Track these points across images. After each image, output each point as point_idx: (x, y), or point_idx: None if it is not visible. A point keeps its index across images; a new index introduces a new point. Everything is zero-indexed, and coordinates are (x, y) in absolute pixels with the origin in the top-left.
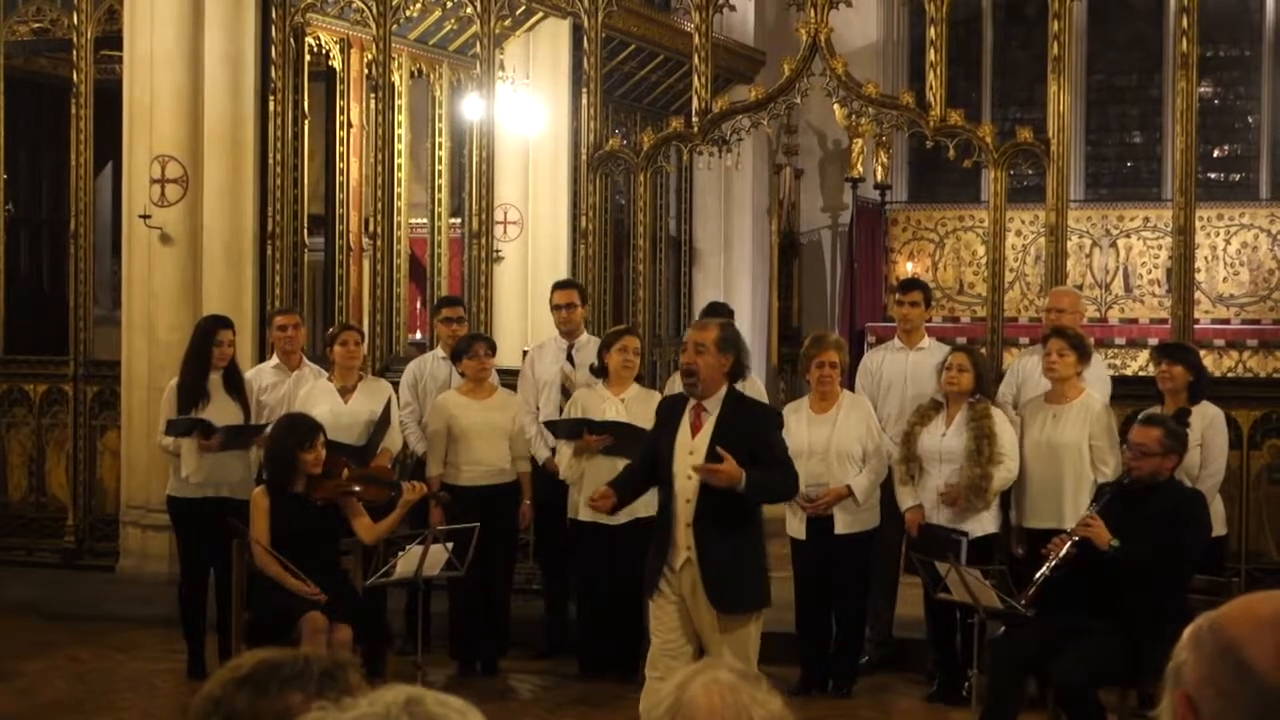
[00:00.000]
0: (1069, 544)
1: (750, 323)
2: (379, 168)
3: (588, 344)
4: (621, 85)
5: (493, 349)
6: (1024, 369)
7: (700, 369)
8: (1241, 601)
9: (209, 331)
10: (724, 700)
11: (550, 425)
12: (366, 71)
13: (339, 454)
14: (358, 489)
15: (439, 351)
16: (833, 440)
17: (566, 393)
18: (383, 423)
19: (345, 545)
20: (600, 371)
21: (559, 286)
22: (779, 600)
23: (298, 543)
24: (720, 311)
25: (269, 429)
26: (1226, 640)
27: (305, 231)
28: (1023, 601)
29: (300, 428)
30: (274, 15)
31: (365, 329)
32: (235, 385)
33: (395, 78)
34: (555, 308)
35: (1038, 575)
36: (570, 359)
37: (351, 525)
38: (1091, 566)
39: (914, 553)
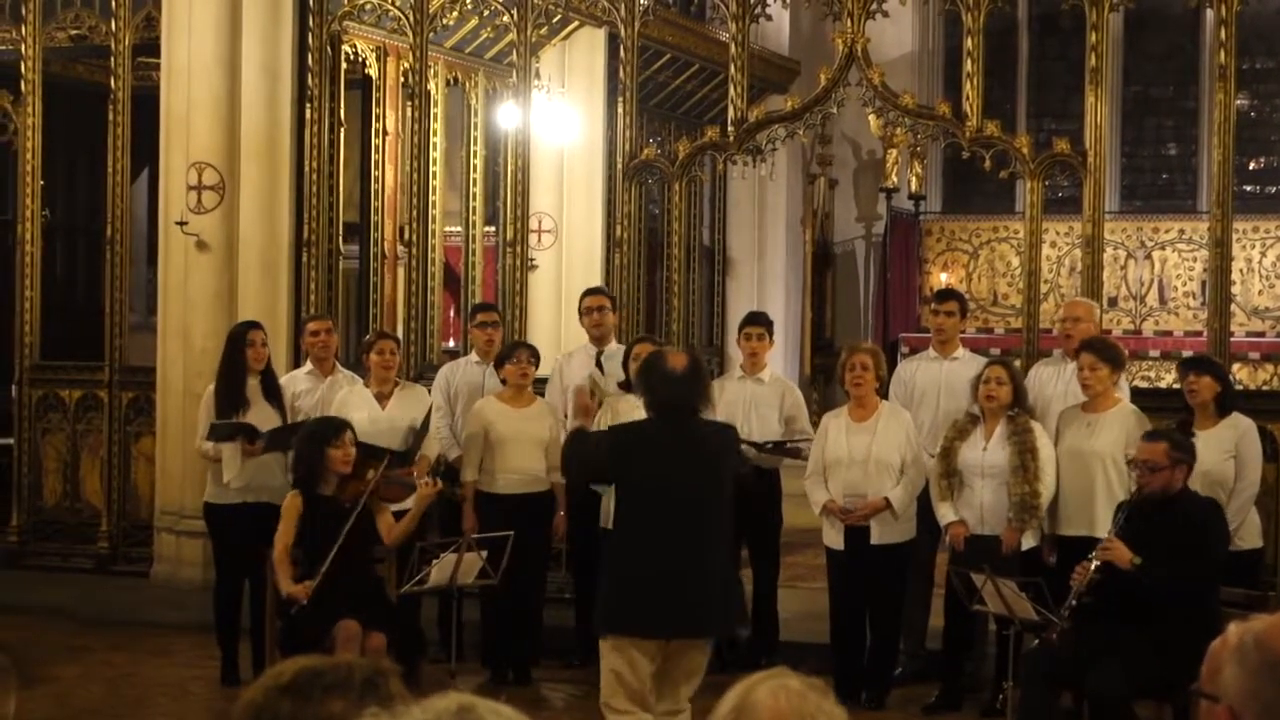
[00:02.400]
0: (1092, 569)
1: (783, 332)
2: (414, 176)
3: (618, 352)
4: (657, 94)
5: (535, 357)
6: (1039, 380)
7: None
8: None
9: (240, 335)
10: (790, 705)
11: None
12: (402, 80)
13: (371, 457)
14: (378, 488)
15: (472, 356)
16: (872, 449)
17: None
18: (423, 430)
19: (378, 553)
20: (628, 385)
21: (590, 292)
22: (814, 610)
23: (331, 545)
24: (760, 321)
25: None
26: (1274, 655)
27: (340, 239)
28: (1054, 635)
29: (327, 425)
30: (311, 23)
31: (400, 336)
32: (273, 391)
33: (431, 86)
34: (586, 311)
35: (1064, 606)
36: (599, 365)
37: (376, 528)
38: (1119, 582)
39: (952, 565)
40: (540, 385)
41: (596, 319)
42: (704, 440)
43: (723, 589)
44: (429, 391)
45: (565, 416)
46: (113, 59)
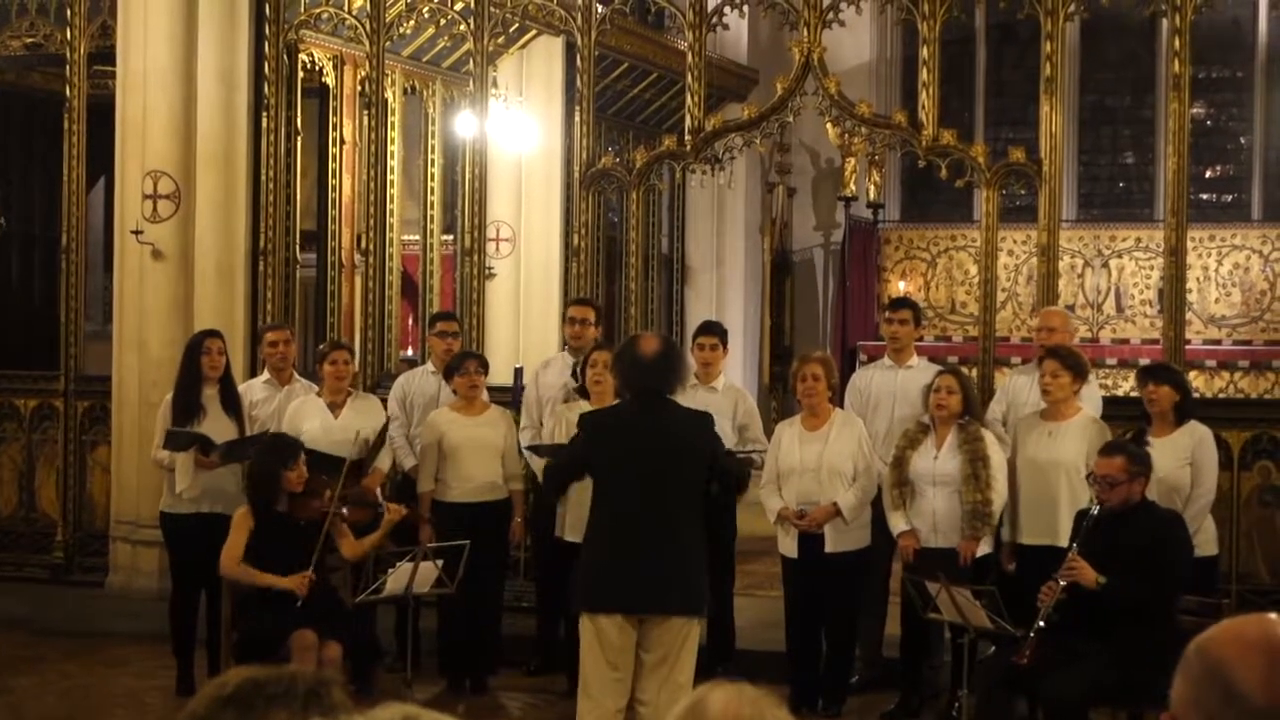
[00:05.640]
0: (1058, 590)
1: (742, 340)
2: (371, 184)
3: None
4: (614, 103)
5: (484, 366)
6: (1014, 387)
7: None
8: (1228, 624)
9: (197, 344)
10: (742, 714)
11: (533, 449)
12: (360, 88)
13: (323, 469)
14: (343, 511)
15: (429, 366)
16: (824, 457)
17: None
18: (380, 442)
19: (333, 562)
20: (584, 392)
21: (576, 302)
22: (770, 619)
23: (283, 562)
24: (713, 331)
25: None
26: (1214, 662)
27: (297, 248)
28: (1024, 660)
29: (281, 447)
30: (267, 32)
31: (357, 345)
32: (231, 401)
33: (388, 94)
34: (570, 321)
35: (1033, 629)
36: (575, 375)
37: (337, 544)
38: (1086, 597)
39: (907, 573)
40: (493, 394)
41: (579, 330)
42: (677, 423)
43: (693, 569)
44: (383, 402)
45: (540, 424)
46: (68, 67)
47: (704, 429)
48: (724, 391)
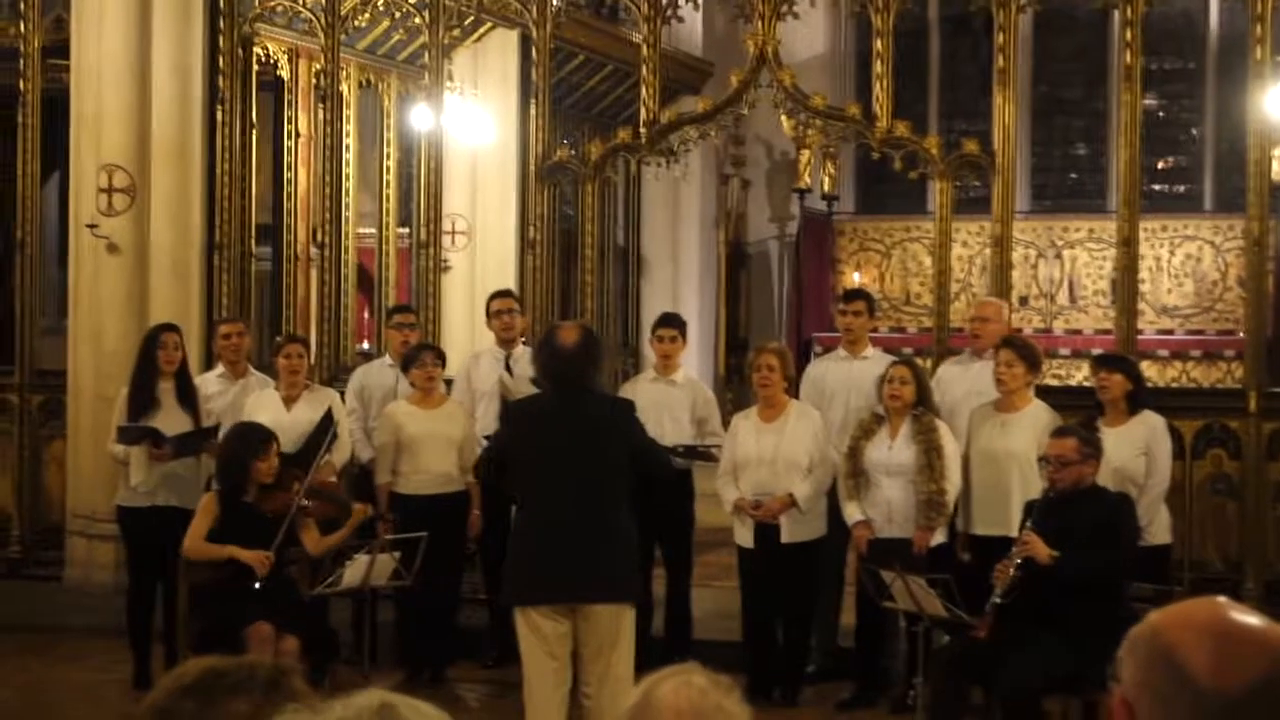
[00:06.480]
0: (1013, 567)
1: (698, 332)
2: (327, 178)
3: (525, 354)
4: (570, 96)
5: (441, 359)
6: (946, 378)
7: None
8: (1178, 607)
9: (153, 338)
10: (691, 703)
11: (491, 439)
12: (315, 82)
13: (294, 462)
14: (309, 504)
15: (386, 359)
16: (781, 449)
17: (505, 403)
18: (320, 431)
19: (291, 555)
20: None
21: (497, 295)
22: (727, 609)
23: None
24: (672, 323)
25: (221, 437)
26: (1163, 645)
27: (253, 241)
28: (982, 632)
29: (253, 437)
30: (222, 25)
31: (313, 339)
32: (186, 394)
33: (343, 88)
34: (495, 314)
35: (988, 605)
36: (508, 369)
37: (300, 537)
38: (1033, 579)
39: (862, 563)
40: (450, 386)
41: (506, 321)
42: (595, 412)
43: (620, 555)
44: (340, 395)
45: (475, 418)
46: (22, 61)
47: (624, 416)
48: (683, 384)
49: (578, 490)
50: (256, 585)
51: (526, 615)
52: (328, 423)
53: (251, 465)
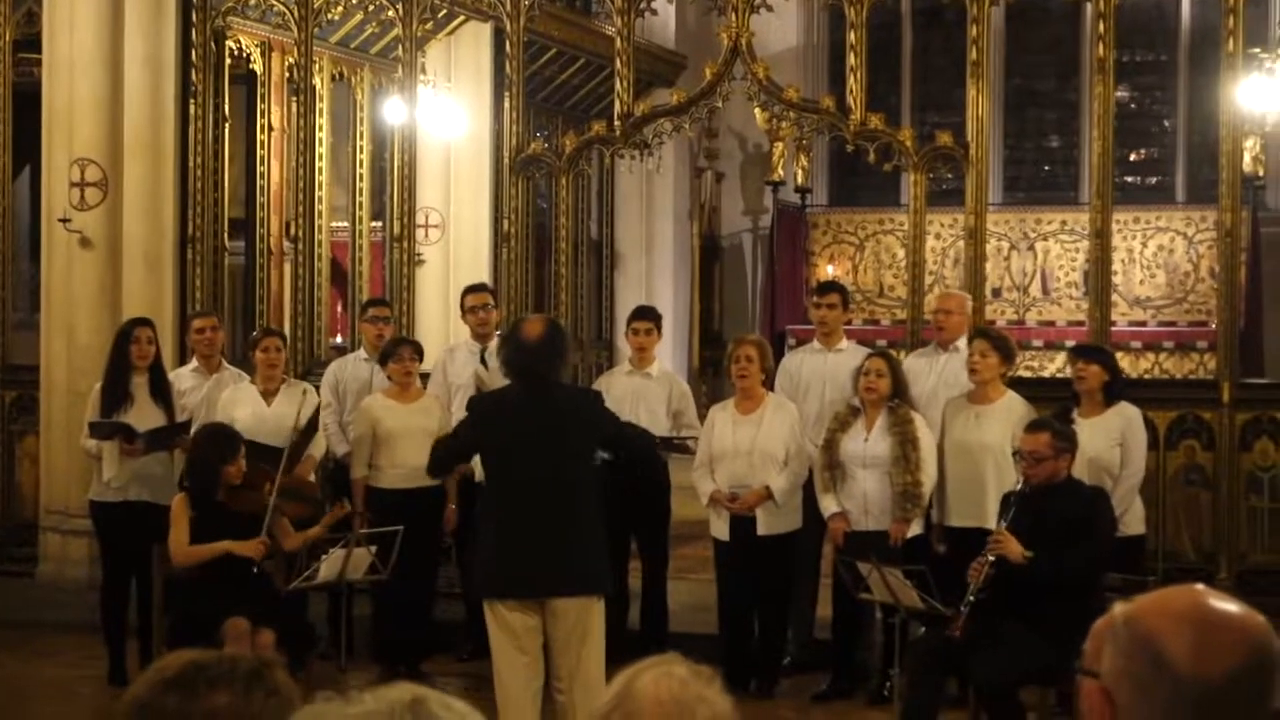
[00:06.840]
0: (987, 565)
1: (672, 326)
2: (300, 171)
3: None
4: (543, 89)
5: (419, 353)
6: (912, 370)
7: None
8: (1156, 595)
9: (126, 332)
10: (671, 694)
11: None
12: (287, 75)
13: (260, 459)
14: (282, 504)
15: (361, 353)
16: (757, 441)
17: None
18: (309, 430)
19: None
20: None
21: (471, 290)
22: (703, 602)
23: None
24: (648, 315)
25: (191, 435)
26: (1143, 633)
27: (226, 235)
28: (957, 631)
29: (222, 440)
30: (194, 18)
31: (286, 333)
32: (160, 388)
33: (316, 81)
34: (470, 310)
35: (963, 603)
36: (484, 362)
37: (275, 535)
38: (1011, 573)
39: (839, 555)
40: (426, 380)
41: (482, 316)
42: (562, 404)
43: (588, 548)
44: (316, 389)
45: (450, 411)
46: None
47: (592, 407)
48: (658, 377)
49: (544, 483)
50: (255, 570)
51: (495, 609)
52: (314, 424)
53: (221, 470)
